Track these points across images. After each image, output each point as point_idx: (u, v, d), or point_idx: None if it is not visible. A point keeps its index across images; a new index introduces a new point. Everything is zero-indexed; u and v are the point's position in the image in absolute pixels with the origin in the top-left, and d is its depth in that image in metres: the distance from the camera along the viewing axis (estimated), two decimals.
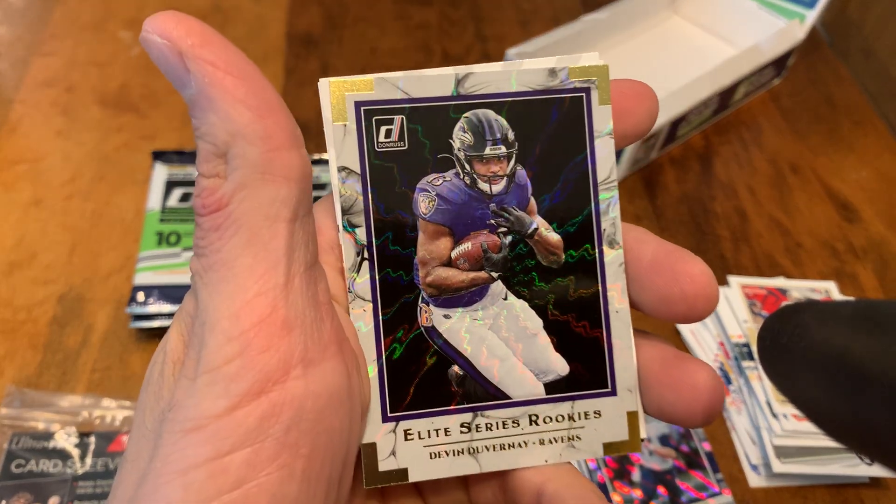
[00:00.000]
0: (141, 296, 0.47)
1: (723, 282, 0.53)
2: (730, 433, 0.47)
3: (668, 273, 0.20)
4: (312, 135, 0.61)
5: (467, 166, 0.20)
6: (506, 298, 0.21)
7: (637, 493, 0.43)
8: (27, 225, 0.53)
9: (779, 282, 0.53)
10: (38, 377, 0.45)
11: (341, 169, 0.20)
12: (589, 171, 0.21)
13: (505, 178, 0.20)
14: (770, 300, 0.52)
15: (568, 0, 0.79)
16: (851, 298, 0.56)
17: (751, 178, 0.63)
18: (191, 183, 0.53)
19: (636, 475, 0.43)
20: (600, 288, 0.21)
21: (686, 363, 0.20)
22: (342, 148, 0.20)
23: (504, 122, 0.20)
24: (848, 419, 0.15)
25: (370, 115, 0.20)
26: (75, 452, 0.41)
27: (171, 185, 0.53)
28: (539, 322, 0.21)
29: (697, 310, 0.19)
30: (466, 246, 0.20)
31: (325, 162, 0.57)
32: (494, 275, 0.21)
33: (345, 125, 0.20)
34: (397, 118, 0.20)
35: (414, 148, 0.20)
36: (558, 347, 0.21)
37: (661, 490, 0.43)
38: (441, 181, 0.20)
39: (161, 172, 0.54)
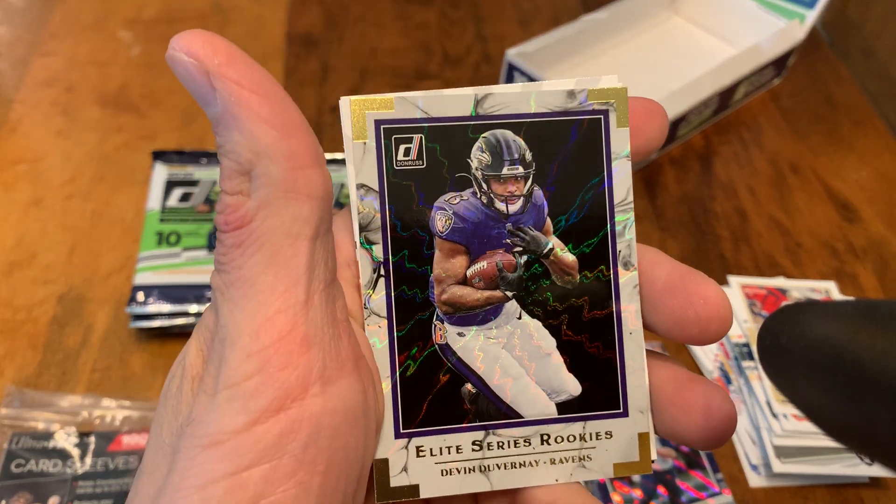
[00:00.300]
0: (141, 296, 0.47)
1: (723, 282, 0.53)
2: None
3: (681, 295, 0.20)
4: None
5: (484, 186, 0.20)
6: (520, 318, 0.21)
7: (637, 493, 0.43)
8: (27, 225, 0.53)
9: (779, 282, 0.53)
10: (38, 377, 0.45)
11: (360, 186, 0.20)
12: (606, 193, 0.21)
13: (522, 198, 0.20)
14: (770, 300, 0.52)
15: (568, 0, 0.79)
16: (851, 298, 0.56)
17: (751, 178, 0.63)
18: (191, 183, 0.53)
19: (636, 475, 0.43)
20: (614, 309, 0.21)
21: (698, 386, 0.20)
22: (361, 165, 0.20)
23: (522, 142, 0.20)
24: (848, 419, 0.15)
25: (390, 133, 0.20)
26: (75, 452, 0.41)
27: (170, 185, 0.53)
28: (552, 342, 0.21)
29: (710, 332, 0.19)
30: (482, 265, 0.21)
31: (325, 162, 0.57)
32: (509, 294, 0.21)
33: (364, 143, 0.20)
34: (416, 137, 0.20)
35: (432, 167, 0.20)
36: (571, 367, 0.21)
37: (661, 490, 0.43)
38: (458, 200, 0.20)
39: (161, 172, 0.54)
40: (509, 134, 0.20)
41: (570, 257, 0.21)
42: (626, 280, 0.21)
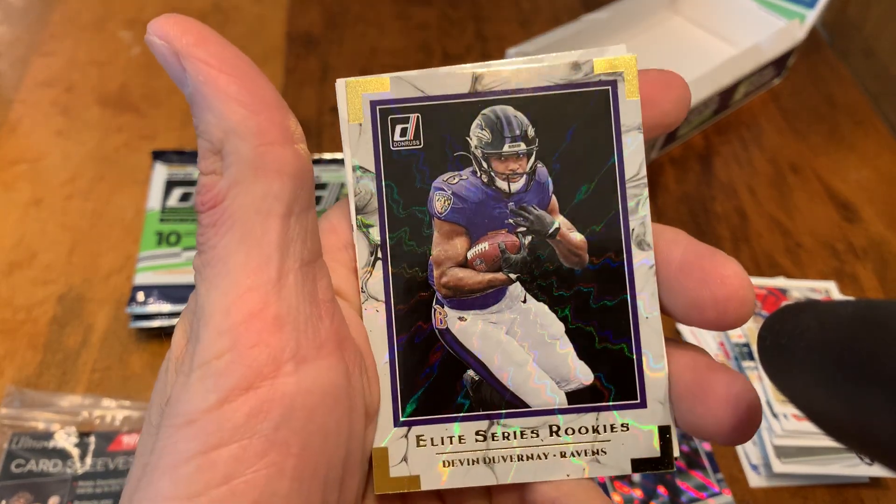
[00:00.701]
0: (141, 296, 0.47)
1: None
2: None
3: (697, 275, 0.18)
4: (312, 134, 0.61)
5: (485, 164, 0.20)
6: (524, 302, 0.20)
7: (637, 493, 0.43)
8: (27, 225, 0.53)
9: (779, 282, 0.53)
10: (38, 377, 0.45)
11: (356, 168, 0.20)
12: (616, 168, 0.20)
13: (524, 175, 0.20)
14: (770, 300, 0.52)
15: (568, 0, 0.79)
16: (851, 298, 0.56)
17: (751, 178, 0.63)
18: (191, 183, 0.53)
19: (636, 475, 0.43)
20: (629, 292, 0.20)
21: (719, 374, 0.19)
22: (357, 147, 0.19)
23: (523, 118, 0.19)
24: (848, 419, 0.15)
25: (385, 113, 0.19)
26: (75, 452, 0.41)
27: (171, 185, 0.53)
28: (560, 327, 0.20)
29: (729, 314, 0.18)
30: (483, 246, 0.20)
31: (325, 161, 0.57)
32: (513, 276, 0.20)
33: (360, 124, 0.19)
34: (413, 116, 0.19)
35: (430, 146, 0.19)
36: (582, 355, 0.20)
37: (661, 490, 0.43)
38: (457, 179, 0.20)
39: (161, 172, 0.54)
40: (510, 109, 0.19)
41: (577, 237, 0.20)
42: (641, 261, 0.20)
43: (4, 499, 0.39)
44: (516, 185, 0.20)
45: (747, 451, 0.45)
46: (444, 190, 0.20)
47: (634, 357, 0.20)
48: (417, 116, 0.19)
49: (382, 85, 0.19)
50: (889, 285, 0.56)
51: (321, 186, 0.55)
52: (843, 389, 0.15)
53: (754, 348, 0.49)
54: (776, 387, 0.17)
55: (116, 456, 0.42)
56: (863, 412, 0.14)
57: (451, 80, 0.19)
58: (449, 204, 0.20)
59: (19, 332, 0.47)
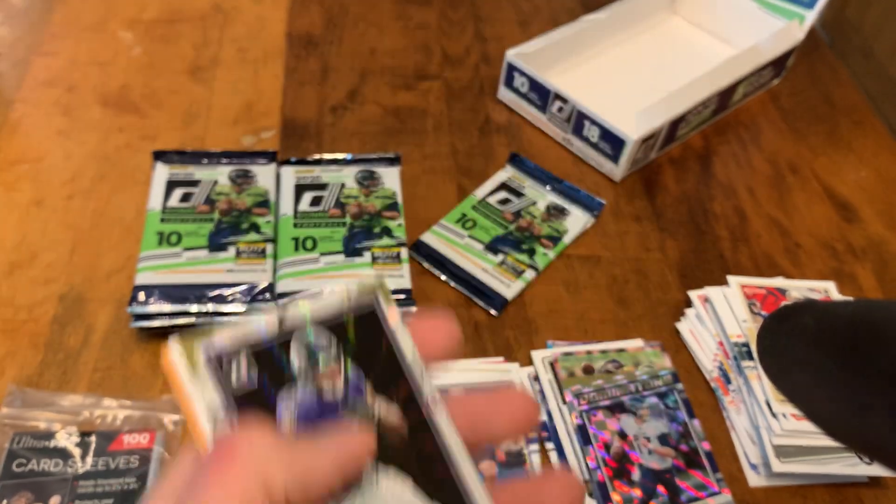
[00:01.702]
0: (142, 295, 0.47)
1: (722, 282, 0.53)
2: (729, 433, 0.47)
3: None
4: (312, 134, 0.61)
5: (307, 381, 0.22)
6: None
7: (637, 493, 0.43)
8: (28, 225, 0.53)
9: (778, 281, 0.53)
10: (40, 377, 0.45)
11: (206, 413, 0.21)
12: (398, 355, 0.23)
13: (342, 380, 0.22)
14: (769, 300, 0.52)
15: (568, 0, 0.79)
16: (850, 298, 0.56)
17: (750, 178, 0.63)
18: (192, 183, 0.54)
19: (636, 474, 0.44)
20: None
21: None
22: (203, 393, 0.21)
23: (328, 337, 0.22)
24: (846, 418, 0.15)
25: (219, 360, 0.21)
26: (76, 452, 0.42)
27: (171, 185, 0.53)
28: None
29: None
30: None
31: (324, 162, 0.57)
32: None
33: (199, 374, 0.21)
34: (242, 360, 0.22)
35: (261, 382, 0.22)
36: None
37: (660, 489, 0.43)
38: (292, 402, 0.22)
39: (162, 172, 0.54)
40: (314, 334, 0.22)
41: (397, 418, 0.22)
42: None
43: (6, 498, 0.39)
44: (339, 390, 0.22)
45: (747, 451, 0.46)
46: (286, 411, 0.22)
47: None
48: (246, 360, 0.22)
49: (210, 338, 0.22)
50: (888, 285, 0.56)
51: (321, 187, 0.55)
52: (841, 389, 0.15)
53: (754, 348, 0.49)
54: (775, 386, 0.17)
55: (117, 455, 0.42)
56: (862, 412, 0.14)
57: (260, 325, 0.22)
58: (294, 424, 0.22)
59: (20, 332, 0.47)
